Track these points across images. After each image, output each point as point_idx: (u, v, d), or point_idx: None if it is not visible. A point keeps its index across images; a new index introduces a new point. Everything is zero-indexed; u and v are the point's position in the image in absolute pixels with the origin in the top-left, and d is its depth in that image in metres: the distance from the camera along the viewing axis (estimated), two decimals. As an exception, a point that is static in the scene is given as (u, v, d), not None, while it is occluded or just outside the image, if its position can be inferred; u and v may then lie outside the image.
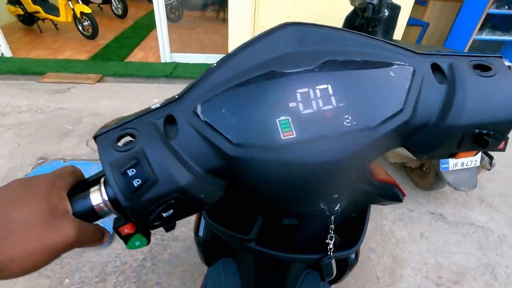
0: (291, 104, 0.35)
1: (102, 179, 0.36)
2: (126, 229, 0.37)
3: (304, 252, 0.51)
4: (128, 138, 0.36)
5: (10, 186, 0.30)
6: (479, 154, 1.53)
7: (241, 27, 3.12)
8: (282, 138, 0.34)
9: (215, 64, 0.40)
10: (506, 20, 3.81)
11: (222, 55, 0.41)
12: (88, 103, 2.63)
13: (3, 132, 2.15)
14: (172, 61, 3.69)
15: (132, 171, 0.32)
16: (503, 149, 1.48)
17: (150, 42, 4.41)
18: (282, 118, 0.35)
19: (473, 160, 1.51)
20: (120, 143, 0.36)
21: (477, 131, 0.38)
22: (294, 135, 0.35)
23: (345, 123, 0.35)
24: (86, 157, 1.99)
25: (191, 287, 1.29)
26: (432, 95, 0.38)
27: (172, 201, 0.35)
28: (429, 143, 0.40)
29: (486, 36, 3.89)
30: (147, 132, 0.36)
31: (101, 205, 0.34)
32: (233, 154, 0.34)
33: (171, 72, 3.38)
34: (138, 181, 0.32)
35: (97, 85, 3.02)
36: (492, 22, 3.81)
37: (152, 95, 2.88)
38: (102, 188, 0.34)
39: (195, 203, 0.37)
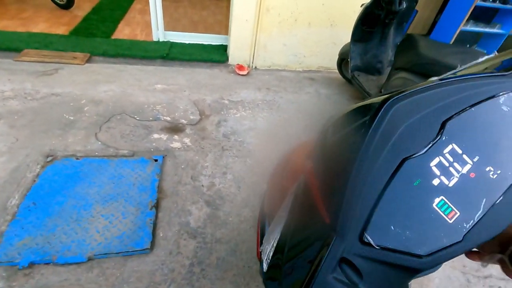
0: (435, 182, 0.34)
1: None
2: None
3: None
4: None
5: None
6: None
7: (245, 8, 2.94)
8: (450, 222, 0.33)
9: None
10: (486, 12, 4.00)
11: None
12: (84, 88, 2.37)
13: (-8, 123, 1.88)
14: (165, 40, 3.41)
15: None
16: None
17: (135, 16, 4.00)
18: (436, 201, 0.34)
19: None
20: None
21: None
22: (458, 213, 0.34)
23: (491, 176, 0.35)
24: (100, 153, 1.83)
25: (247, 291, 1.29)
26: None
27: None
28: None
29: (471, 27, 4.08)
30: None
31: None
32: (424, 267, 0.33)
33: (167, 53, 3.13)
34: None
35: (87, 66, 2.71)
36: (473, 14, 4.00)
37: (154, 80, 2.67)
38: None
39: None
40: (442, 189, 0.35)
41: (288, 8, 3.03)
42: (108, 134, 1.98)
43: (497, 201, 0.33)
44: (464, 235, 0.32)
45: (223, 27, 3.73)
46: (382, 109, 0.38)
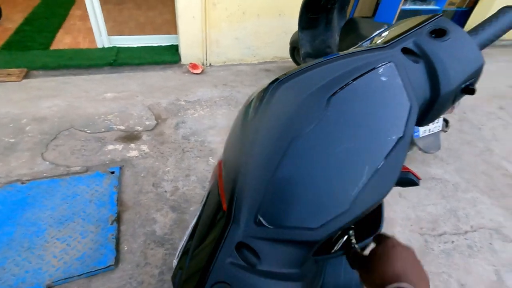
0: (320, 158, 0.37)
1: None
2: None
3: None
4: None
5: None
6: (441, 119, 1.80)
7: (190, 5, 2.87)
8: (336, 192, 0.36)
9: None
10: (423, -10, 4.27)
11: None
12: (24, 106, 2.19)
13: None
14: (111, 45, 3.24)
15: None
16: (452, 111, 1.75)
17: (75, 23, 3.75)
18: (321, 175, 0.38)
19: (436, 125, 1.77)
20: None
21: (463, 85, 0.45)
22: (344, 183, 0.37)
23: (372, 144, 0.38)
24: (49, 173, 1.70)
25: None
26: (417, 77, 0.43)
27: None
28: (433, 114, 0.47)
29: (410, 6, 4.34)
30: (233, 277, 0.34)
31: None
32: (318, 238, 0.35)
33: (115, 59, 2.98)
34: None
35: (25, 82, 2.50)
36: (412, -7, 4.26)
37: (102, 89, 2.53)
38: None
39: None
40: (327, 164, 0.36)
41: (234, 1, 3.00)
42: (56, 153, 1.85)
43: (379, 167, 0.35)
44: (351, 203, 0.34)
45: (173, 27, 3.62)
46: (269, 91, 0.39)
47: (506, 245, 1.62)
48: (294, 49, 3.06)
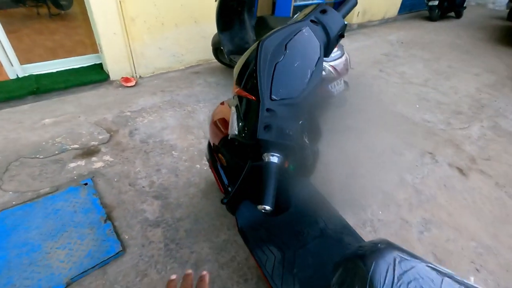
0: (292, 66, 0.83)
1: None
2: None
3: None
4: None
5: None
6: (342, 81, 2.43)
7: (108, 23, 2.97)
8: (305, 81, 0.83)
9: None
10: (307, -11, 5.15)
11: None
12: (-49, 149, 2.02)
13: None
14: (26, 74, 3.07)
15: None
16: (347, 73, 2.38)
17: (-31, 58, 3.36)
18: (295, 73, 0.84)
19: (340, 86, 2.40)
20: None
21: (339, 33, 0.94)
22: (305, 78, 0.84)
23: (307, 62, 0.84)
24: (17, 201, 1.70)
25: (219, 239, 1.59)
26: (319, 32, 0.91)
27: None
28: (330, 49, 0.95)
29: (300, 2, 5.17)
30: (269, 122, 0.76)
31: None
32: (299, 101, 0.80)
33: (37, 86, 2.86)
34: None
35: None
36: (300, -8, 5.10)
37: (37, 116, 2.47)
38: None
39: None
40: (293, 70, 0.77)
41: (151, 14, 3.21)
42: (15, 182, 1.83)
43: (313, 70, 0.78)
44: (306, 85, 0.75)
45: (88, 47, 3.59)
46: (260, 43, 0.77)
47: (400, 157, 2.33)
48: (217, 49, 3.44)
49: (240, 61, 0.93)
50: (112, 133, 2.35)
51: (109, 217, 1.65)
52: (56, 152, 2.10)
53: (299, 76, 0.78)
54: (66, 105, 2.69)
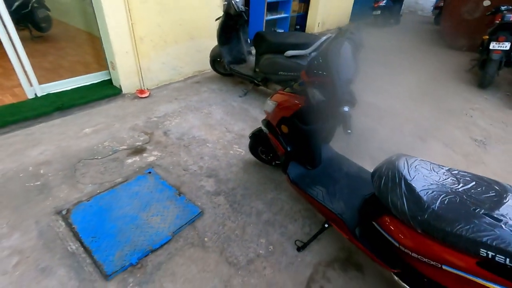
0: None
1: None
2: None
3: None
4: None
5: None
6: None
7: (122, 43, 3.38)
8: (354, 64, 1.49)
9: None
10: (274, 5, 5.92)
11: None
12: (11, 161, 2.31)
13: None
14: (44, 93, 3.33)
15: None
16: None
17: (-23, 83, 3.50)
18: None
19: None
20: None
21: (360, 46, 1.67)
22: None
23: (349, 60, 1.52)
24: (100, 189, 2.09)
25: (267, 197, 2.15)
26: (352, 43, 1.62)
27: None
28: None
29: (270, 17, 5.92)
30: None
31: None
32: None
33: (62, 103, 3.16)
34: None
35: (-15, 144, 2.51)
36: (268, 8, 5.85)
37: (76, 128, 2.80)
38: None
39: None
40: (347, 61, 1.43)
41: (156, 34, 3.68)
42: (89, 177, 2.21)
43: (356, 62, 1.43)
44: (355, 68, 1.40)
45: (96, 65, 3.92)
46: (329, 52, 1.40)
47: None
48: (214, 61, 3.99)
49: (311, 61, 1.53)
50: (149, 135, 2.78)
51: (180, 193, 2.13)
52: (110, 153, 2.49)
53: (352, 66, 1.42)
54: (95, 116, 3.04)
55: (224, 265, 1.68)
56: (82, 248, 1.68)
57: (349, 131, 1.31)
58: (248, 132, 2.84)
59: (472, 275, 1.05)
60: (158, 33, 3.69)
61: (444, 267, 1.12)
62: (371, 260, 1.72)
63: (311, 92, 1.47)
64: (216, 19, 3.53)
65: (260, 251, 1.78)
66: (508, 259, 0.95)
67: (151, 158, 2.47)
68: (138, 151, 2.55)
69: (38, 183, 2.12)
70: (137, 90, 3.59)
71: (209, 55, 4.01)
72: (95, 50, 4.43)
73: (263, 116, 2.10)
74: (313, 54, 2.44)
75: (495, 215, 1.04)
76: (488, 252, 0.98)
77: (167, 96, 3.58)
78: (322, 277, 1.67)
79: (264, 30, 5.34)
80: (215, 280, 1.60)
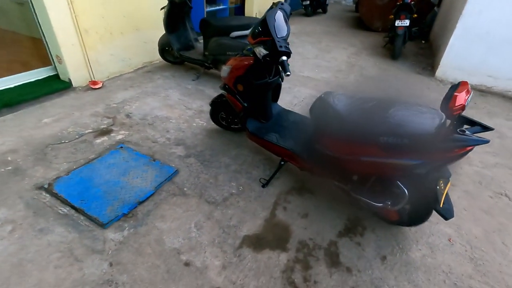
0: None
1: None
2: None
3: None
4: None
5: None
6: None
7: (67, 35, 3.40)
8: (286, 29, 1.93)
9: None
10: (211, -3, 6.21)
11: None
12: (-24, 152, 2.30)
13: None
14: (-15, 92, 3.19)
15: None
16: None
17: None
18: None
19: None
20: None
21: (290, 13, 2.20)
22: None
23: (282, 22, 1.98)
24: (76, 165, 2.24)
25: (232, 153, 2.52)
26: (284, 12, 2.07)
27: None
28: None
29: (210, 8, 6.23)
30: None
31: None
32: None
33: (9, 99, 3.09)
34: None
35: None
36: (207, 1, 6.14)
37: (33, 120, 2.81)
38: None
39: None
40: (281, 24, 1.86)
41: (101, 25, 3.74)
42: (62, 158, 2.32)
43: (288, 24, 1.87)
44: (287, 29, 1.84)
45: (37, 62, 3.81)
46: (267, 17, 1.79)
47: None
48: (163, 50, 4.19)
49: (253, 28, 1.92)
50: (112, 118, 2.93)
51: (154, 159, 2.38)
52: (77, 136, 2.60)
53: (285, 27, 1.84)
54: (50, 108, 3.05)
55: (205, 204, 2.02)
56: (73, 210, 1.86)
57: (288, 73, 1.75)
58: (206, 108, 3.16)
59: (378, 158, 1.57)
60: (102, 25, 3.75)
61: (362, 158, 1.63)
62: (320, 185, 2.23)
63: (257, 49, 1.87)
64: (161, 8, 3.74)
65: (233, 191, 2.15)
66: (395, 139, 1.48)
67: (120, 136, 2.65)
68: (104, 132, 2.70)
69: (10, 168, 2.18)
70: (90, 81, 3.63)
71: (157, 45, 4.18)
72: (32, 49, 4.25)
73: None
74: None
75: (387, 115, 1.58)
76: (384, 137, 1.50)
77: (122, 85, 3.69)
78: (284, 201, 2.11)
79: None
80: (199, 215, 1.94)
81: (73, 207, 1.87)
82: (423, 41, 6.56)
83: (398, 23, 4.90)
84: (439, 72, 4.53)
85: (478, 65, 4.21)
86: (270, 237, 1.84)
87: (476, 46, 4.11)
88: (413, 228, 1.96)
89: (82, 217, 1.82)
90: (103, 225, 1.76)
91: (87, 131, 2.68)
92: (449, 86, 1.57)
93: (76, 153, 2.39)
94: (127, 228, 1.79)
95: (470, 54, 4.20)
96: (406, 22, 4.88)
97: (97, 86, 3.59)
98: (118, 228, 1.78)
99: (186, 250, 1.70)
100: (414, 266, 1.74)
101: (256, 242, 1.80)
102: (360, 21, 7.83)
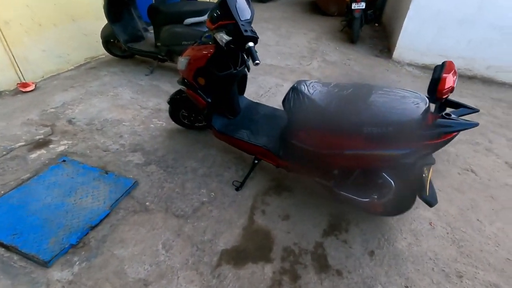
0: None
1: None
2: None
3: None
4: None
5: None
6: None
7: (-21, 28, 2.80)
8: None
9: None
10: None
11: None
12: None
13: None
14: None
15: None
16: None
17: None
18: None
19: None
20: None
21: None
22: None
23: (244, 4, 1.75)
24: (4, 190, 1.81)
25: (199, 155, 2.26)
26: None
27: None
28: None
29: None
30: None
31: None
32: None
33: None
34: None
35: None
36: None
37: None
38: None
39: None
40: (243, 6, 1.61)
41: (25, 16, 3.15)
42: (-16, 182, 1.87)
43: (251, 7, 1.62)
44: (251, 12, 1.59)
45: None
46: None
47: (283, 86, 3.48)
48: (107, 42, 3.68)
49: (212, 11, 1.64)
50: (50, 126, 2.47)
51: (106, 171, 2.03)
52: (4, 152, 2.13)
53: (248, 9, 1.60)
54: None
55: (172, 219, 1.75)
56: (3, 249, 1.48)
57: (258, 61, 1.52)
58: (164, 106, 2.83)
59: (363, 150, 1.43)
60: (28, 15, 3.16)
61: (346, 152, 1.48)
62: (297, 181, 2.07)
63: (218, 36, 1.61)
64: (100, -6, 3.23)
65: (204, 199, 1.91)
66: (380, 129, 1.34)
67: (61, 148, 2.23)
68: (41, 144, 2.25)
69: None
70: (19, 83, 3.05)
71: (100, 38, 3.66)
72: None
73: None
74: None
75: (367, 104, 1.44)
76: (368, 128, 1.36)
77: (60, 86, 3.17)
78: (262, 203, 1.92)
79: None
80: (166, 233, 1.67)
81: (2, 245, 1.49)
82: (376, 24, 6.70)
83: (354, 6, 4.87)
84: (395, 54, 4.61)
85: (431, 45, 4.33)
86: (251, 248, 1.64)
87: (428, 26, 4.22)
88: (395, 217, 1.89)
89: (15, 257, 1.45)
90: (45, 264, 1.42)
91: (18, 145, 2.22)
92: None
93: (4, 174, 1.94)
94: (77, 263, 1.47)
95: (423, 34, 4.30)
96: (362, 5, 4.87)
97: (28, 89, 3.04)
98: (65, 264, 1.45)
99: (155, 279, 1.43)
100: (402, 258, 1.67)
101: (236, 256, 1.59)
102: (316, 6, 7.77)
